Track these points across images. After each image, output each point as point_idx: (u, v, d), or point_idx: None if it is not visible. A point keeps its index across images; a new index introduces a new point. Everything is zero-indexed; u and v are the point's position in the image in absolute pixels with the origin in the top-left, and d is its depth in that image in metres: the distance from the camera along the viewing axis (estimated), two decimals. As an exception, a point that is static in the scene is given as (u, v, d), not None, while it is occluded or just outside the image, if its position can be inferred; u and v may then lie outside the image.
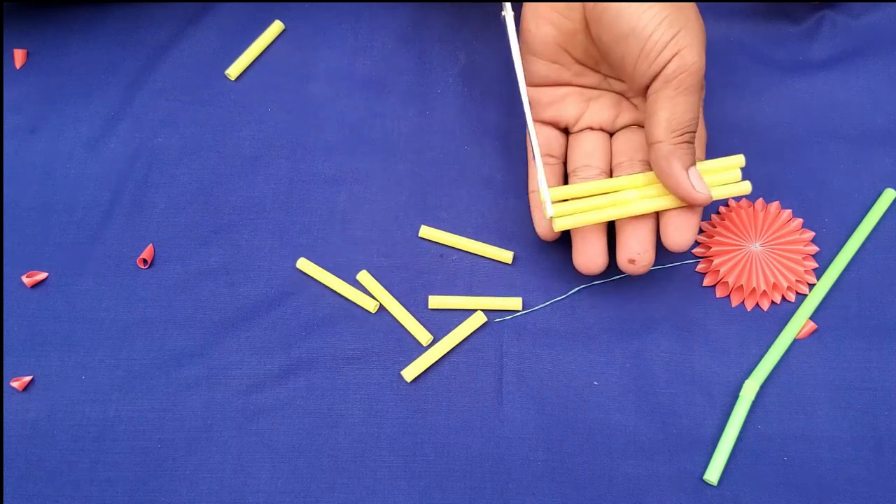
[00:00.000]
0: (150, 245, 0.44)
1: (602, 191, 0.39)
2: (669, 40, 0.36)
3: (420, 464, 0.39)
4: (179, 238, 0.45)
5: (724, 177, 0.39)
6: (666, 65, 0.36)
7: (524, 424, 0.40)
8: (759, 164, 0.46)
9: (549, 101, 0.42)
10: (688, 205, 0.38)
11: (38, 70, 0.50)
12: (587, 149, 0.42)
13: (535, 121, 0.43)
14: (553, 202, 0.39)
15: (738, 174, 0.40)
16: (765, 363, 0.41)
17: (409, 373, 0.41)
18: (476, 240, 0.44)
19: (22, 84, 0.49)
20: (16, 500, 0.39)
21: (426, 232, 0.44)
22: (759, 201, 0.45)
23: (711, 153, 0.47)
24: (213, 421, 0.40)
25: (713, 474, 0.38)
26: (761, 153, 0.46)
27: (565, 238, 0.43)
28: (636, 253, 0.39)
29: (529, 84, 0.42)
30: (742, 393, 0.40)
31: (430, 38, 0.50)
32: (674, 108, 0.36)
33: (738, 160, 0.40)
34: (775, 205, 0.45)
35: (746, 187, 0.39)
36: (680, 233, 0.38)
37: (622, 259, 0.39)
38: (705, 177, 0.39)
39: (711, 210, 0.45)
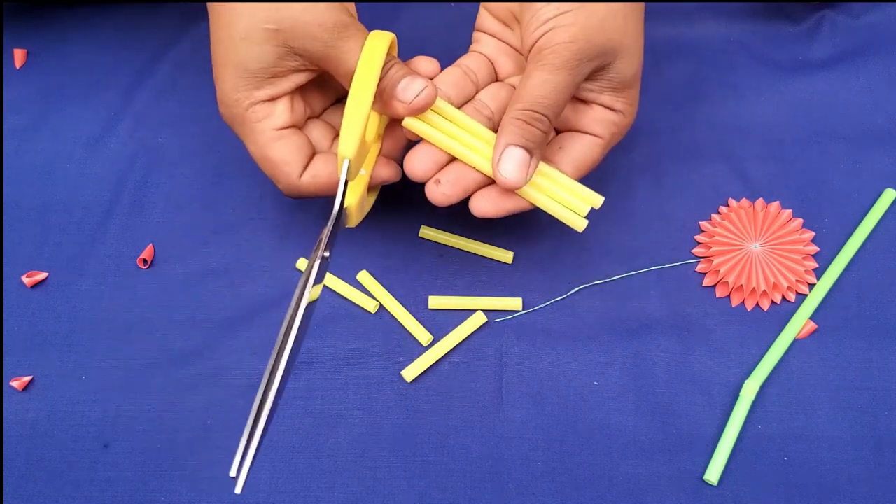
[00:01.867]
0: (150, 245, 0.44)
1: (460, 125, 0.37)
2: (551, 17, 0.35)
3: (420, 464, 0.39)
4: (179, 238, 0.45)
5: (572, 200, 0.38)
6: (538, 39, 0.35)
7: (524, 424, 0.40)
8: (759, 164, 0.46)
9: (495, 42, 0.41)
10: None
11: (38, 70, 0.50)
12: (495, 93, 0.40)
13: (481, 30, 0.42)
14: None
15: (586, 210, 0.38)
16: (765, 363, 0.41)
17: (409, 373, 0.41)
18: (476, 240, 0.44)
19: (22, 84, 0.49)
20: (16, 500, 0.39)
21: (426, 232, 0.44)
22: (759, 201, 0.45)
23: (711, 154, 0.47)
24: (213, 421, 0.40)
25: (713, 474, 0.38)
26: (761, 153, 0.46)
27: (565, 240, 0.43)
28: (446, 179, 0.37)
29: (479, 29, 0.42)
30: (742, 393, 0.40)
31: (429, 37, 0.50)
32: (527, 80, 0.35)
33: (594, 199, 0.38)
34: (775, 205, 0.45)
35: (579, 224, 0.38)
36: (484, 203, 0.37)
37: (432, 178, 0.37)
38: (555, 187, 0.37)
39: (711, 210, 0.45)
